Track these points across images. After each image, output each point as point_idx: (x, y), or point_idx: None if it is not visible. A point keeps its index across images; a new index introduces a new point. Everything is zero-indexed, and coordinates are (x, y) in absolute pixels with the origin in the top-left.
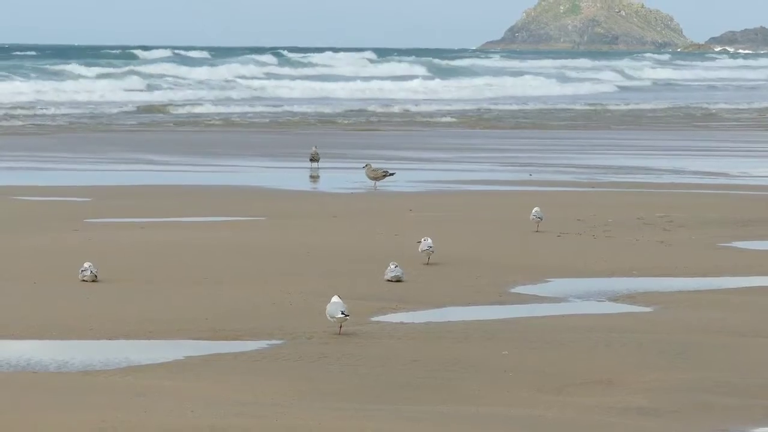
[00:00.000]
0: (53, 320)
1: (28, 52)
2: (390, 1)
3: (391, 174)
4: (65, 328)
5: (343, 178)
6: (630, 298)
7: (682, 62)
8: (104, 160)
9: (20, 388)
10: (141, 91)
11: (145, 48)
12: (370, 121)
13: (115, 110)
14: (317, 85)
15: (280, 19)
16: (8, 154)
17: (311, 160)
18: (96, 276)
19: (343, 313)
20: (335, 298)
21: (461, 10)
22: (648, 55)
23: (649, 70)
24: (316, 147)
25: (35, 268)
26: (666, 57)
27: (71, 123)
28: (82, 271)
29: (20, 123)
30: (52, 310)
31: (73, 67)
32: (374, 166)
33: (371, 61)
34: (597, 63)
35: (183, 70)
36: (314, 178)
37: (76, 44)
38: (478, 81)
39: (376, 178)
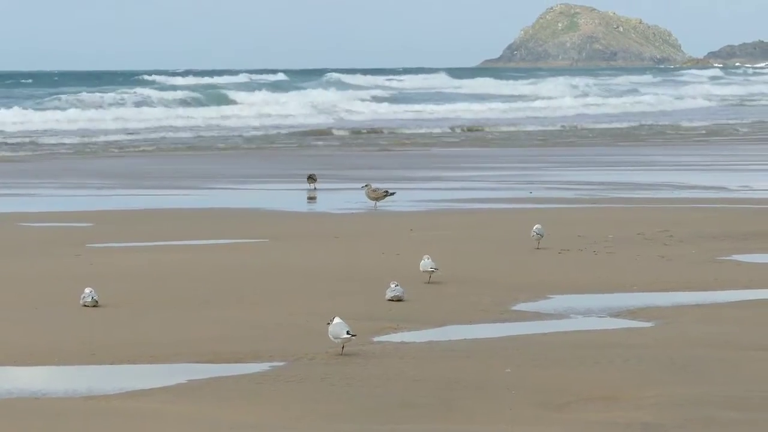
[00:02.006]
0: (55, 346)
1: (151, 77)
2: (384, 20)
3: (392, 194)
4: (67, 353)
5: (344, 198)
6: (631, 313)
7: (735, 77)
8: (105, 186)
9: (22, 414)
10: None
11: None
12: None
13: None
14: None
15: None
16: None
17: (309, 180)
18: (97, 301)
19: (348, 333)
20: (337, 319)
21: (459, 29)
22: (694, 71)
23: (709, 86)
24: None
25: (37, 294)
26: (716, 72)
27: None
28: (83, 296)
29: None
30: (53, 335)
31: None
32: (374, 186)
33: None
34: (655, 79)
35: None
36: (312, 199)
37: (136, 69)
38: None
39: (376, 199)
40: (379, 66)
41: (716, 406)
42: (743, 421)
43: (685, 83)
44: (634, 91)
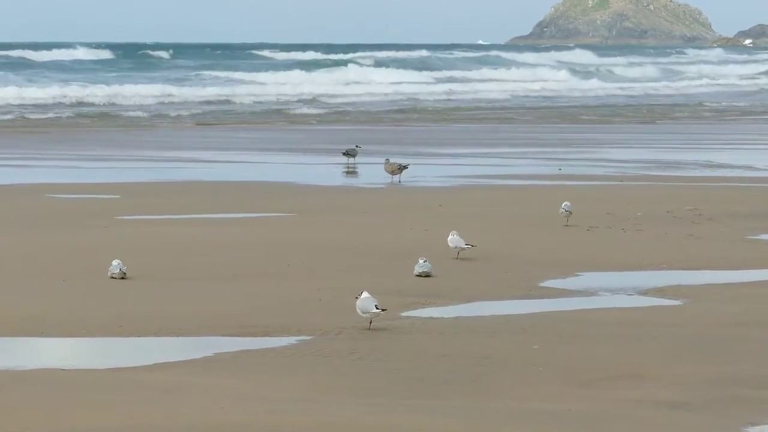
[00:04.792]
0: (82, 318)
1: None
2: None
3: (405, 167)
4: (94, 325)
5: (377, 173)
6: (659, 291)
7: None
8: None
9: (50, 386)
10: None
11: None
12: None
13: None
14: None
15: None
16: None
17: (347, 154)
18: (125, 273)
19: (377, 308)
20: (365, 294)
21: (488, 5)
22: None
23: None
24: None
25: (65, 266)
26: None
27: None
28: (111, 268)
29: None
30: (81, 307)
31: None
32: (392, 160)
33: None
34: (752, 57)
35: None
36: (350, 173)
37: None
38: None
39: (392, 172)
40: (408, 42)
41: (744, 385)
42: None
43: None
44: None
